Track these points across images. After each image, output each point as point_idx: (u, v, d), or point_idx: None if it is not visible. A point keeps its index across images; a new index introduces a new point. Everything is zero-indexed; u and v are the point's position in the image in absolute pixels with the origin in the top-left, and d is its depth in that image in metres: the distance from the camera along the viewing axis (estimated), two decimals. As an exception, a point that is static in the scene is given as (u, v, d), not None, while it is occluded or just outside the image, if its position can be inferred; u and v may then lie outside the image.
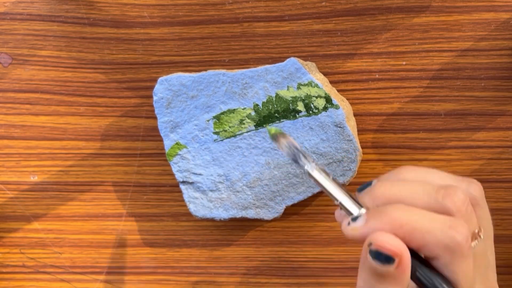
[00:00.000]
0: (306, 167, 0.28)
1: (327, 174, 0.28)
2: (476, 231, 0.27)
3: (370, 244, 0.26)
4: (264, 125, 0.37)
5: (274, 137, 0.30)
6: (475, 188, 0.28)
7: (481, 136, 0.40)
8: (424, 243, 0.26)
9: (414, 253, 0.26)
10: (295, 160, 0.28)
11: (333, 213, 0.43)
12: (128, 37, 0.40)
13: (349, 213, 0.27)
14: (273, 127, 0.32)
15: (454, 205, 0.26)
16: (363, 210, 0.27)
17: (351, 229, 0.27)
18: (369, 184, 0.29)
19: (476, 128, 0.40)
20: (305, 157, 0.28)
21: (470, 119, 0.40)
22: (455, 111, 0.40)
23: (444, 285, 0.26)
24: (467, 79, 0.40)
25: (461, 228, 0.26)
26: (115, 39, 0.40)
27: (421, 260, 0.27)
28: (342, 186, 0.28)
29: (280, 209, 0.40)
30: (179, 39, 0.40)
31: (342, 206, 0.28)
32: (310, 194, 0.39)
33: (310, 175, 0.28)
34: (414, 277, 0.26)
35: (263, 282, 0.44)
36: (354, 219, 0.27)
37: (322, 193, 0.40)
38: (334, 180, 0.28)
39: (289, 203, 0.40)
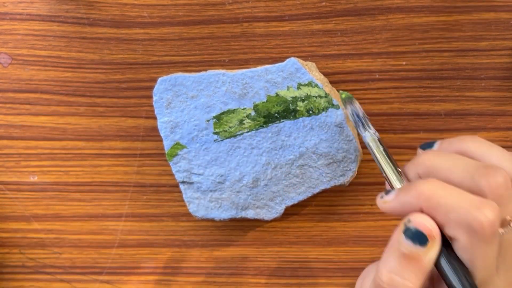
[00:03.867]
0: (363, 136, 0.30)
1: (382, 146, 0.29)
2: (508, 218, 0.26)
3: (408, 221, 0.25)
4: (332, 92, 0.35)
5: (344, 101, 0.32)
6: None
7: (481, 136, 0.40)
8: (447, 220, 0.25)
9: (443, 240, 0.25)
10: (357, 127, 0.31)
11: (333, 214, 0.43)
12: (128, 37, 0.40)
13: (391, 185, 0.28)
14: (344, 92, 0.34)
15: (489, 186, 0.25)
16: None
17: (383, 202, 0.27)
18: (431, 144, 0.29)
19: (476, 128, 0.40)
20: (364, 126, 0.30)
21: (470, 119, 0.40)
22: (455, 111, 0.40)
23: (461, 276, 0.25)
24: (467, 79, 0.40)
25: (488, 210, 0.24)
26: (115, 39, 0.40)
27: (446, 245, 0.26)
28: (392, 160, 0.28)
29: (280, 209, 0.40)
30: (179, 39, 0.40)
31: (386, 178, 0.28)
32: (310, 194, 0.39)
33: (367, 143, 0.29)
34: (436, 262, 0.26)
35: (263, 282, 0.44)
36: (387, 192, 0.27)
37: (322, 193, 0.40)
38: (386, 152, 0.29)
39: (289, 203, 0.40)
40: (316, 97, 0.37)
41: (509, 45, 0.39)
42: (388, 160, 0.29)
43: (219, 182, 0.39)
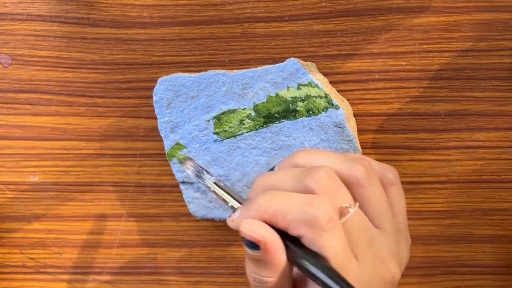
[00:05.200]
0: (206, 181, 0.33)
1: (223, 184, 0.33)
2: (344, 205, 0.28)
3: (240, 232, 0.28)
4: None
5: (182, 161, 0.36)
6: (358, 168, 0.29)
7: (481, 137, 0.40)
8: (286, 223, 0.27)
9: (295, 239, 0.27)
10: (199, 176, 0.34)
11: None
12: (128, 38, 0.40)
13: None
14: (181, 154, 0.38)
15: (314, 183, 0.27)
16: None
17: (231, 220, 0.30)
18: (272, 168, 0.32)
19: (476, 129, 0.40)
20: (204, 175, 0.33)
21: (470, 120, 0.40)
22: (455, 111, 0.40)
23: (319, 266, 0.26)
24: (467, 79, 0.40)
25: (318, 203, 0.26)
26: (115, 39, 0.40)
27: (301, 245, 0.27)
28: (234, 192, 0.32)
29: (280, 209, 0.40)
30: (179, 40, 0.40)
31: (232, 208, 0.31)
32: (310, 194, 0.39)
33: (207, 187, 0.33)
34: (295, 262, 0.27)
35: (263, 282, 0.44)
36: (234, 211, 0.30)
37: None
38: (228, 188, 0.32)
39: (289, 203, 0.40)
40: (316, 97, 0.37)
41: (509, 45, 0.39)
42: (232, 192, 0.32)
43: (219, 182, 0.40)
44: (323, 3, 0.39)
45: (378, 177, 0.30)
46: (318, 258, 0.26)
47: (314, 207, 0.26)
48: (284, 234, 0.28)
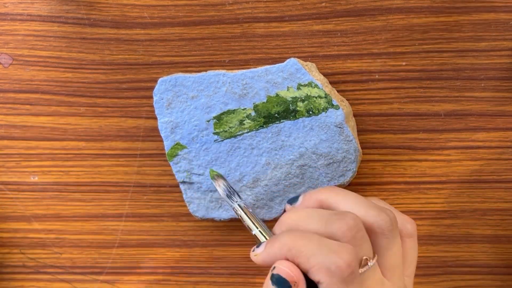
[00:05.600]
0: (235, 204, 0.33)
1: (251, 211, 0.33)
2: (365, 258, 0.28)
3: (273, 269, 0.28)
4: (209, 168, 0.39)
5: (214, 177, 0.36)
6: (383, 218, 0.29)
7: (481, 137, 0.40)
8: (309, 266, 0.27)
9: (311, 282, 0.27)
10: (229, 197, 0.34)
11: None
12: (128, 38, 0.40)
13: (260, 242, 0.31)
14: (214, 170, 0.38)
15: (340, 230, 0.27)
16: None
17: (254, 255, 0.30)
18: (296, 198, 0.32)
19: (476, 129, 0.40)
20: (234, 197, 0.34)
21: (470, 120, 0.40)
22: (455, 111, 0.40)
23: None
24: (467, 79, 0.40)
25: (344, 253, 0.26)
26: (115, 39, 0.40)
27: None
28: (260, 221, 0.32)
29: (280, 209, 0.40)
30: (179, 40, 0.40)
31: (256, 237, 0.32)
32: (310, 195, 0.39)
33: (234, 209, 0.33)
34: None
35: (263, 282, 0.44)
36: (258, 245, 0.30)
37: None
38: (253, 215, 0.32)
39: (289, 203, 0.40)
40: (316, 97, 0.37)
41: (509, 45, 0.39)
42: (257, 221, 0.32)
43: (219, 182, 0.40)
44: (323, 3, 0.39)
45: (399, 228, 0.30)
46: None
47: (339, 257, 0.26)
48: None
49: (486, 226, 0.42)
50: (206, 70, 0.39)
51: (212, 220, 0.41)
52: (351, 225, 0.27)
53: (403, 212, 0.42)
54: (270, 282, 0.27)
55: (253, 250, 0.30)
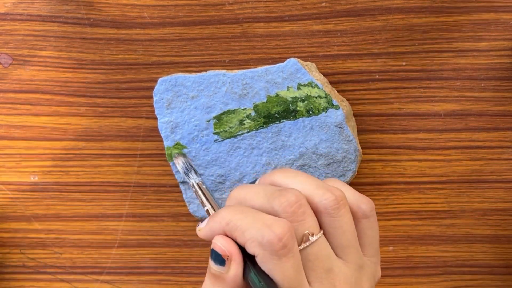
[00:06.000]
0: (191, 180, 0.34)
1: (205, 187, 0.34)
2: (306, 232, 0.28)
3: (212, 245, 0.29)
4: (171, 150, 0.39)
5: (175, 156, 0.37)
6: (328, 197, 0.29)
7: (481, 137, 0.40)
8: (244, 240, 0.28)
9: (250, 257, 0.28)
10: (186, 174, 0.35)
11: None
12: (128, 38, 0.40)
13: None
14: (176, 148, 0.39)
15: (281, 205, 0.28)
16: None
17: (198, 229, 0.30)
18: (253, 182, 0.33)
19: (476, 129, 0.40)
20: (191, 173, 0.35)
21: (470, 120, 0.40)
22: (455, 111, 0.40)
23: (264, 285, 0.27)
24: (467, 79, 0.40)
25: (277, 226, 0.27)
26: (115, 39, 0.40)
27: (254, 262, 0.28)
28: (213, 198, 0.33)
29: (280, 209, 0.40)
30: (179, 40, 0.40)
31: (207, 212, 0.32)
32: (310, 195, 0.39)
33: (191, 186, 0.34)
34: (246, 278, 0.28)
35: (263, 282, 0.44)
36: (202, 221, 0.31)
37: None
38: (208, 193, 0.33)
39: (289, 203, 0.40)
40: (316, 97, 0.37)
41: (509, 45, 0.39)
42: (210, 198, 0.33)
43: (219, 183, 0.40)
44: (323, 3, 0.39)
45: (352, 208, 0.30)
46: (268, 280, 0.27)
47: (271, 231, 0.27)
48: (243, 250, 0.28)
49: (486, 226, 0.42)
50: (206, 70, 0.39)
51: (212, 220, 0.41)
52: (292, 201, 0.28)
53: (403, 212, 0.42)
54: (210, 259, 0.29)
55: (198, 225, 0.31)
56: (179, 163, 0.37)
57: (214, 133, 0.39)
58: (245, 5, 0.39)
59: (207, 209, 0.33)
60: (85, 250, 0.45)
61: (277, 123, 0.38)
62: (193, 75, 0.38)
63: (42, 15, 0.40)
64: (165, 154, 0.40)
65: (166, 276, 0.45)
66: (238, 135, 0.39)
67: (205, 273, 0.45)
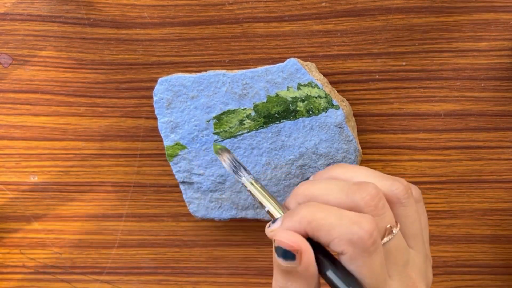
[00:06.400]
0: (242, 179, 0.31)
1: (260, 185, 0.31)
2: (389, 226, 0.28)
3: (274, 241, 0.27)
4: (215, 141, 0.38)
5: (219, 151, 0.34)
6: (398, 187, 0.29)
7: (481, 137, 0.40)
8: (330, 239, 0.27)
9: (327, 253, 0.27)
10: (235, 172, 0.32)
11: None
12: (128, 38, 0.40)
13: (274, 218, 0.30)
14: (218, 144, 0.37)
15: (363, 200, 0.27)
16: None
17: (270, 231, 0.29)
18: (307, 178, 0.31)
19: (476, 129, 0.40)
20: (241, 171, 0.32)
21: (470, 120, 0.40)
22: (455, 111, 0.40)
23: (350, 284, 0.26)
24: (467, 79, 0.40)
25: (365, 223, 0.26)
26: (115, 39, 0.40)
27: (333, 260, 0.27)
28: (271, 195, 0.31)
29: (280, 209, 0.40)
30: (179, 40, 0.40)
31: (269, 213, 0.30)
32: (310, 195, 0.39)
33: (244, 186, 0.31)
34: (324, 275, 0.27)
35: (263, 282, 0.44)
36: (274, 221, 0.29)
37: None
38: (264, 189, 0.31)
39: (289, 203, 0.40)
40: (316, 97, 0.37)
41: (509, 45, 0.39)
42: (269, 196, 0.31)
43: (219, 183, 0.40)
44: (323, 3, 0.39)
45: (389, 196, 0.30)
46: (353, 278, 0.27)
47: (361, 228, 0.26)
48: (316, 247, 0.27)
49: (486, 226, 0.42)
50: (206, 70, 0.39)
51: (212, 220, 0.41)
52: (373, 194, 0.27)
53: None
54: (275, 255, 0.27)
55: (269, 226, 0.29)
56: (225, 160, 0.33)
57: (214, 133, 0.39)
58: (245, 5, 0.39)
59: (268, 210, 0.30)
60: (85, 250, 0.45)
61: (277, 123, 0.38)
62: (193, 75, 0.38)
63: (42, 15, 0.40)
64: (165, 154, 0.40)
65: (166, 276, 0.45)
66: (238, 135, 0.39)
67: (205, 273, 0.45)
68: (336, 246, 0.27)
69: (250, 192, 0.31)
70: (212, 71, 0.38)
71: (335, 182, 0.29)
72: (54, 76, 0.41)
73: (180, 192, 0.41)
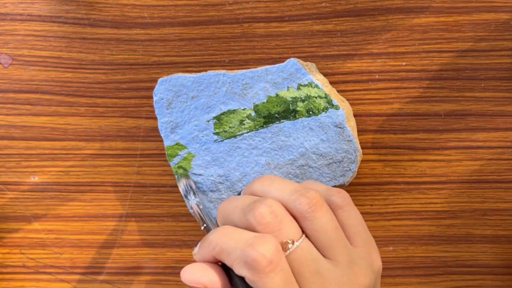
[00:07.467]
0: (190, 202, 0.36)
1: (202, 207, 0.35)
2: (285, 241, 0.27)
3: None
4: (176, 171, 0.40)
5: (180, 176, 0.39)
6: (301, 202, 0.28)
7: (481, 137, 0.40)
8: (231, 262, 0.27)
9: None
10: (185, 196, 0.37)
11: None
12: (128, 38, 0.40)
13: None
14: (183, 170, 0.40)
15: (255, 219, 0.27)
16: None
17: (193, 254, 0.30)
18: (239, 194, 0.33)
19: (476, 129, 0.40)
20: (191, 194, 0.36)
21: (470, 120, 0.40)
22: (455, 111, 0.40)
23: None
24: (467, 79, 0.40)
25: (260, 244, 0.26)
26: (115, 39, 0.40)
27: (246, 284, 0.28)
28: (210, 217, 0.34)
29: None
30: (179, 40, 0.40)
31: (204, 230, 0.33)
32: (310, 195, 0.39)
33: (191, 207, 0.36)
34: None
35: (263, 282, 0.44)
36: (197, 244, 0.30)
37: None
38: (205, 212, 0.34)
39: (289, 203, 0.40)
40: (316, 97, 0.37)
41: (509, 45, 0.39)
42: (207, 217, 0.34)
43: (219, 183, 0.40)
44: (323, 3, 0.39)
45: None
46: None
47: (254, 249, 0.26)
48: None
49: (486, 226, 0.42)
50: (206, 70, 0.39)
51: (212, 220, 0.41)
52: (264, 212, 0.27)
53: (403, 212, 0.42)
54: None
55: (194, 249, 0.30)
56: (180, 186, 0.38)
57: (214, 133, 0.39)
58: (245, 5, 0.39)
59: (203, 229, 0.33)
60: (85, 250, 0.45)
61: (277, 123, 0.38)
62: (193, 75, 0.38)
63: (42, 15, 0.40)
64: (165, 154, 0.40)
65: (166, 276, 0.45)
66: (238, 135, 0.39)
67: (205, 273, 0.45)
68: (236, 269, 0.27)
69: (193, 214, 0.35)
70: (212, 71, 0.38)
71: (242, 200, 0.29)
72: (54, 76, 0.41)
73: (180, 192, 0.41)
